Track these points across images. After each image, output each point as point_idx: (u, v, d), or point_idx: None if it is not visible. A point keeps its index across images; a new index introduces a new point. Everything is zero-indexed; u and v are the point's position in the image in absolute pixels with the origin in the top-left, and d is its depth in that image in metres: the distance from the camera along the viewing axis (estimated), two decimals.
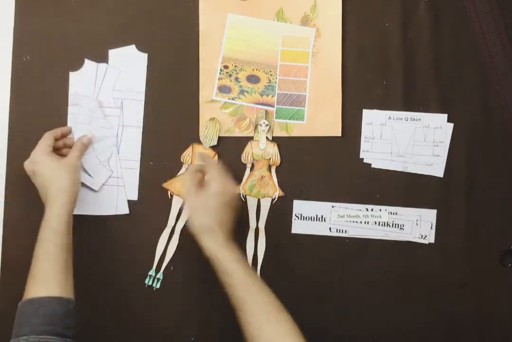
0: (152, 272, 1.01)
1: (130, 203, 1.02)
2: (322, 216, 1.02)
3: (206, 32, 1.02)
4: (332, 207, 1.02)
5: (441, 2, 1.03)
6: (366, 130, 1.03)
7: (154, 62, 1.03)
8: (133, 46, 1.03)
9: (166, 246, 1.01)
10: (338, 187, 1.03)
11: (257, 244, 1.01)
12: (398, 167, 1.03)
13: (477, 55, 1.03)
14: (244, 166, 1.02)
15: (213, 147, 1.01)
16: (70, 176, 0.94)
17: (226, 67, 1.02)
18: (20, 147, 1.01)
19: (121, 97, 1.03)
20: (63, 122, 1.02)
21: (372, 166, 1.03)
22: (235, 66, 1.02)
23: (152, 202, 1.02)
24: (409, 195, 1.02)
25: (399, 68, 1.03)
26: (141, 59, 1.03)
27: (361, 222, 1.02)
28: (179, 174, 1.01)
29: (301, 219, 1.02)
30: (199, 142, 1.01)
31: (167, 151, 1.02)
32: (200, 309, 1.01)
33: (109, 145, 1.02)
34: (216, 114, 1.02)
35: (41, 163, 0.94)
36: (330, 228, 1.02)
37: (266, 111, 1.01)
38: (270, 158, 1.01)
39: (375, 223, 1.02)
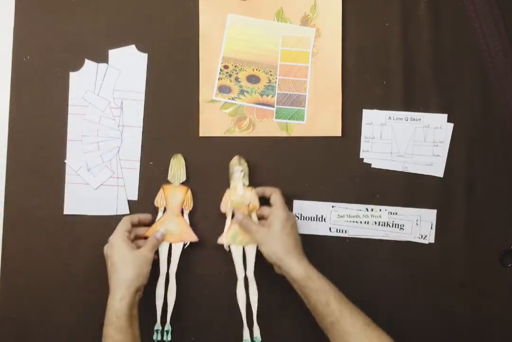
0: (158, 326, 0.99)
1: (130, 203, 1.02)
2: (322, 216, 1.02)
3: (206, 32, 1.02)
4: (332, 207, 1.02)
5: (441, 2, 1.03)
6: (366, 130, 1.03)
7: (154, 62, 1.03)
8: (133, 46, 1.03)
9: (165, 294, 0.99)
10: (338, 187, 1.03)
11: (248, 294, 0.99)
12: (398, 168, 1.03)
13: (477, 55, 1.03)
14: (224, 215, 1.01)
15: (183, 183, 1.01)
16: (137, 269, 0.92)
17: (226, 67, 1.02)
18: (20, 147, 1.02)
19: (121, 97, 1.03)
20: (63, 122, 1.02)
21: (372, 166, 1.03)
22: (235, 66, 1.02)
23: (152, 202, 1.02)
24: (409, 195, 1.02)
25: (399, 68, 1.03)
26: (141, 59, 1.03)
27: (361, 222, 1.02)
28: (157, 219, 1.01)
29: (301, 219, 1.02)
30: (169, 182, 1.01)
31: (167, 151, 1.02)
32: None
33: (114, 146, 1.02)
34: (216, 114, 1.02)
35: (114, 248, 0.94)
36: (330, 228, 1.02)
37: (240, 157, 1.00)
38: (250, 203, 1.00)
39: (375, 223, 1.02)
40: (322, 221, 1.02)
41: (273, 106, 1.02)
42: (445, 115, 1.02)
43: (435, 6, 1.03)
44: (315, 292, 0.88)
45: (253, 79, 1.02)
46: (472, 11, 1.03)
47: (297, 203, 1.02)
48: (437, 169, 1.03)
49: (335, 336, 0.86)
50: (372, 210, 1.02)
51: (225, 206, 1.00)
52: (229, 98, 1.02)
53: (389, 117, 1.03)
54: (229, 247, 0.99)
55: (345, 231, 1.02)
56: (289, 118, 1.02)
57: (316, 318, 0.89)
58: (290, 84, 1.02)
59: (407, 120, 1.03)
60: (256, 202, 0.99)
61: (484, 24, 1.03)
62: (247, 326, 0.99)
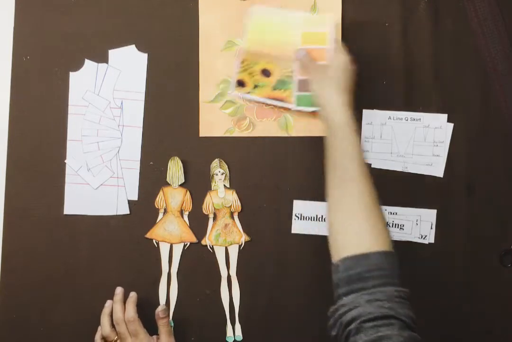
0: None
1: (130, 203, 1.02)
2: (322, 216, 1.02)
3: (206, 32, 1.02)
4: None
5: (441, 2, 1.03)
6: (366, 130, 1.03)
7: (154, 62, 1.03)
8: (133, 46, 1.03)
9: (168, 293, 1.01)
10: None
11: (231, 292, 1.01)
12: (398, 167, 1.03)
13: (477, 55, 1.03)
14: (206, 217, 1.02)
15: (182, 185, 1.02)
16: None
17: (243, 61, 1.00)
18: (20, 147, 1.02)
19: (121, 97, 1.03)
20: (63, 122, 1.02)
21: (372, 166, 1.03)
22: (250, 60, 1.00)
23: (152, 202, 1.02)
24: (409, 195, 1.02)
25: (399, 68, 1.03)
26: (141, 59, 1.03)
27: None
28: (157, 220, 1.02)
29: (301, 219, 1.02)
30: (168, 184, 1.02)
31: (167, 151, 1.02)
32: None
33: (114, 146, 1.02)
34: (216, 115, 1.02)
35: None
36: None
37: (220, 160, 1.01)
38: (231, 205, 1.02)
39: None
40: (322, 221, 1.02)
41: (284, 101, 1.00)
42: (445, 115, 1.02)
43: (435, 6, 1.03)
44: (347, 141, 0.85)
45: (267, 72, 1.00)
46: (472, 11, 1.03)
47: (297, 203, 1.02)
48: (437, 169, 1.03)
49: (336, 193, 0.83)
50: None
51: (207, 207, 1.01)
52: (245, 92, 1.00)
53: (389, 117, 1.03)
54: (212, 247, 1.01)
55: None
56: (311, 105, 0.99)
57: (329, 171, 0.85)
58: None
59: (407, 120, 1.03)
60: (237, 204, 1.01)
61: (484, 24, 1.03)
62: (231, 324, 1.01)
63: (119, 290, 0.98)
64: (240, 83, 1.00)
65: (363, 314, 0.73)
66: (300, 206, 1.02)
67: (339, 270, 0.80)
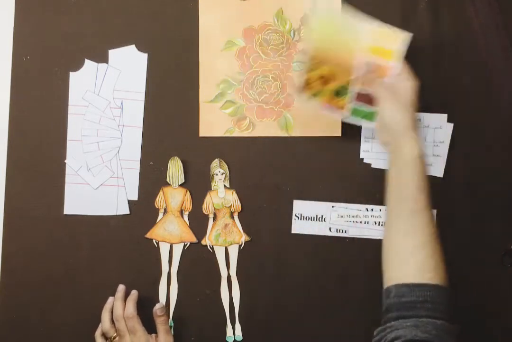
0: None
1: (130, 203, 1.02)
2: (322, 216, 1.02)
3: (206, 32, 1.02)
4: (332, 207, 1.02)
5: (441, 2, 1.03)
6: (365, 130, 1.03)
7: (154, 62, 1.03)
8: (133, 46, 1.03)
9: (168, 292, 1.01)
10: (338, 187, 1.03)
11: (231, 292, 1.01)
12: None
13: (477, 55, 1.03)
14: (206, 217, 1.02)
15: (182, 185, 1.02)
16: None
17: (313, 58, 0.95)
18: (20, 147, 1.02)
19: (121, 97, 1.03)
20: (63, 122, 1.02)
21: (372, 166, 1.03)
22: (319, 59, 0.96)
23: (152, 202, 1.02)
24: None
25: None
26: (141, 59, 1.03)
27: (361, 222, 1.02)
28: (157, 220, 1.02)
29: (301, 219, 1.02)
30: (168, 184, 1.02)
31: (167, 151, 1.02)
32: None
33: (114, 146, 1.02)
34: (216, 115, 1.02)
35: None
36: (330, 228, 1.02)
37: (220, 160, 1.01)
38: (231, 205, 1.02)
39: (375, 223, 1.02)
40: (322, 221, 1.02)
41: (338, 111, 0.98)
42: (445, 115, 1.02)
43: (435, 6, 1.03)
44: (421, 175, 0.85)
45: (325, 79, 0.96)
46: (472, 11, 1.03)
47: (297, 203, 1.02)
48: (437, 169, 1.02)
49: (404, 224, 0.84)
50: (372, 210, 1.02)
51: (207, 207, 1.01)
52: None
53: None
54: (212, 247, 1.01)
55: (345, 231, 1.02)
56: (362, 117, 0.98)
57: (396, 202, 0.86)
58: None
59: None
60: (237, 204, 1.01)
61: (484, 24, 1.03)
62: (231, 324, 1.01)
63: (121, 288, 0.99)
64: (307, 83, 0.96)
65: (408, 335, 0.74)
66: (300, 206, 1.02)
67: (391, 296, 0.80)
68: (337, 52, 0.95)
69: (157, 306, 0.97)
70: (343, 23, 0.95)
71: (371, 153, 1.03)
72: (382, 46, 0.95)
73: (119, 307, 0.96)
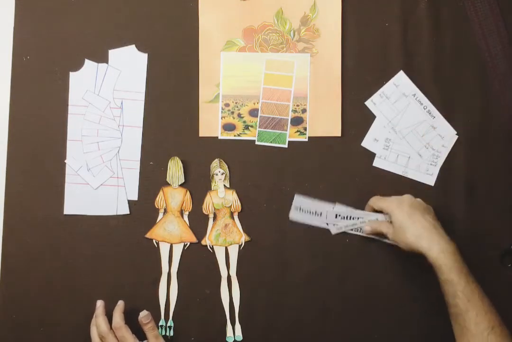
0: (162, 322, 1.01)
1: (130, 203, 1.02)
2: (321, 213, 1.02)
3: (206, 32, 1.02)
4: (333, 208, 1.02)
5: (441, 2, 1.03)
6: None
7: (154, 62, 1.03)
8: (133, 46, 1.03)
9: (168, 292, 1.01)
10: (338, 187, 1.03)
11: (231, 292, 1.01)
12: (399, 171, 1.03)
13: (477, 55, 1.03)
14: (206, 217, 1.02)
15: (182, 185, 1.02)
16: None
17: (227, 105, 1.02)
18: (20, 147, 1.02)
19: (121, 97, 1.03)
20: (63, 122, 1.02)
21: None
22: (236, 103, 1.02)
23: (152, 202, 1.02)
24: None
25: (399, 68, 1.03)
26: (141, 59, 1.03)
27: (361, 222, 1.02)
28: (157, 220, 1.02)
29: (300, 211, 1.01)
30: (168, 184, 1.02)
31: (167, 151, 1.02)
32: None
33: (114, 146, 1.02)
34: (216, 115, 1.02)
35: None
36: (328, 224, 1.02)
37: (220, 160, 1.01)
38: (231, 205, 1.02)
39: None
40: (320, 216, 1.02)
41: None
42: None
43: (435, 6, 1.03)
44: (443, 282, 0.89)
45: (255, 112, 1.02)
46: (472, 11, 1.03)
47: (298, 197, 1.01)
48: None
49: (456, 327, 0.87)
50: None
51: (207, 207, 1.01)
52: (234, 135, 1.02)
53: None
54: (212, 247, 1.01)
55: (345, 232, 1.02)
56: (271, 142, 1.02)
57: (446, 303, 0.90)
58: (272, 107, 1.02)
59: None
60: (237, 204, 1.01)
61: (484, 24, 1.03)
62: (231, 324, 1.01)
63: (99, 303, 0.97)
64: (228, 127, 1.01)
65: None
66: (300, 200, 1.02)
67: None
68: (256, 87, 1.01)
69: (141, 314, 0.95)
70: (245, 61, 1.01)
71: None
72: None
73: (103, 323, 0.94)
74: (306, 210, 1.01)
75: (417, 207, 0.94)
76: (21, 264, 1.01)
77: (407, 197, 0.96)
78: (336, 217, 1.01)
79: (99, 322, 0.94)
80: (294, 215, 1.01)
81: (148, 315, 0.96)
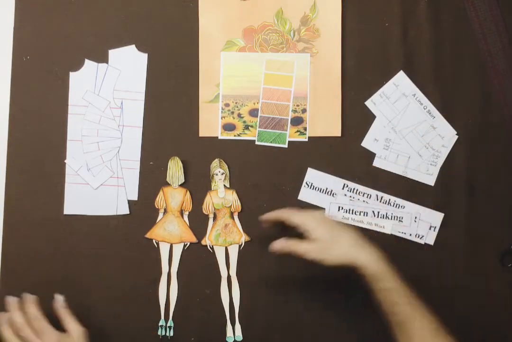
0: (162, 322, 1.01)
1: (130, 203, 1.02)
2: (332, 190, 1.01)
3: (206, 32, 1.02)
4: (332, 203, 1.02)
5: (441, 2, 1.03)
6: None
7: (154, 62, 1.03)
8: (133, 46, 1.03)
9: (168, 292, 1.01)
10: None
11: (231, 292, 1.01)
12: (399, 172, 1.03)
13: (477, 55, 1.03)
14: (206, 217, 1.02)
15: (182, 185, 1.02)
16: None
17: (227, 105, 1.02)
18: (20, 147, 1.02)
19: (121, 97, 1.03)
20: (63, 122, 1.02)
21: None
22: (236, 103, 1.02)
23: (152, 202, 1.02)
24: (409, 195, 1.02)
25: (399, 68, 1.03)
26: (141, 59, 1.03)
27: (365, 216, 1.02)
28: (157, 220, 1.02)
29: (310, 188, 1.01)
30: (168, 184, 1.02)
31: (167, 151, 1.02)
32: None
33: (114, 146, 1.02)
34: (216, 114, 1.02)
35: None
36: (339, 207, 1.02)
37: (220, 160, 1.01)
38: (231, 205, 1.02)
39: (374, 214, 1.02)
40: (331, 195, 1.01)
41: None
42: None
43: (435, 6, 1.03)
44: (382, 291, 0.87)
45: (255, 112, 1.02)
46: (472, 11, 1.03)
47: (311, 172, 1.01)
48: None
49: (402, 335, 0.85)
50: (378, 213, 1.02)
51: (207, 207, 1.01)
52: (234, 136, 1.02)
53: None
54: (212, 247, 1.01)
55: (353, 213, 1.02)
56: (271, 142, 1.02)
57: (385, 312, 0.88)
58: (272, 107, 1.02)
59: None
60: (237, 204, 1.02)
61: (484, 24, 1.03)
62: (231, 324, 1.01)
63: (10, 300, 0.94)
64: (228, 127, 1.01)
65: None
66: (313, 175, 1.02)
67: None
68: (255, 87, 1.01)
69: (56, 299, 0.94)
70: (245, 61, 1.01)
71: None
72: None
73: (18, 316, 0.91)
74: (317, 187, 1.01)
75: (333, 220, 0.92)
76: (21, 264, 1.01)
77: (320, 213, 0.95)
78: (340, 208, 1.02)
79: (14, 316, 0.91)
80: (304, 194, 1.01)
81: (62, 300, 0.94)
